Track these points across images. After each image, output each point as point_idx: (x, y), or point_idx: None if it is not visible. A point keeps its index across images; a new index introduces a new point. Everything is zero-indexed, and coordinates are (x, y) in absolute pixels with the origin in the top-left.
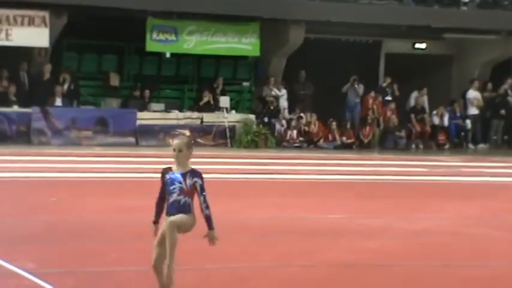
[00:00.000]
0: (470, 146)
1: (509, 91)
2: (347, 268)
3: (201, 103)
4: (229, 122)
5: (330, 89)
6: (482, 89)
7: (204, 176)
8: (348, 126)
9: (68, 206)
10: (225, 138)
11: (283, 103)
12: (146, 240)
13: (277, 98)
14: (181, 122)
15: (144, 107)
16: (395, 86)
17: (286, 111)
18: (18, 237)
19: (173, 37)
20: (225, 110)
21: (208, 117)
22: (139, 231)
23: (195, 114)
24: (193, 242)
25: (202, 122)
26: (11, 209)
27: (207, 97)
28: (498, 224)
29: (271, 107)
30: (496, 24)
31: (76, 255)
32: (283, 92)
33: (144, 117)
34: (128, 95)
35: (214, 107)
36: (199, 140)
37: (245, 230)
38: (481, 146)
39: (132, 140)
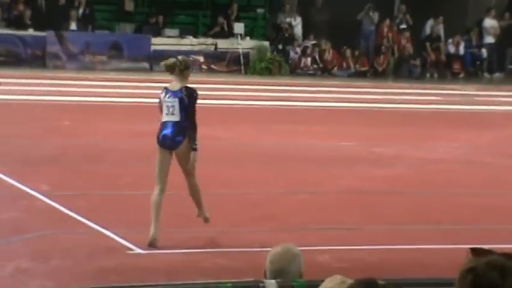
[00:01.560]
0: (486, 75)
1: None
2: (359, 195)
3: (214, 30)
4: (243, 48)
5: (344, 16)
6: (499, 18)
7: (217, 102)
8: (363, 54)
9: (82, 130)
10: (239, 64)
11: (298, 31)
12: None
13: (291, 25)
14: (196, 48)
15: (158, 33)
16: (408, 16)
17: (300, 38)
18: (32, 159)
19: None
20: (239, 36)
21: (223, 44)
22: (152, 156)
23: (209, 41)
24: (205, 168)
25: (216, 48)
26: (26, 132)
27: (219, 23)
28: (510, 152)
29: (286, 34)
30: None
31: (89, 178)
32: (298, 20)
33: (159, 43)
34: (142, 20)
35: (228, 33)
36: (213, 66)
37: (257, 156)
38: (497, 75)
39: (146, 65)
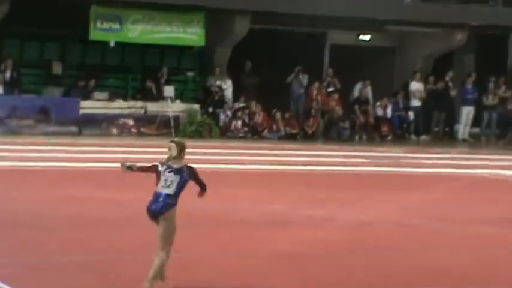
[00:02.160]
0: (413, 137)
1: (450, 84)
2: (289, 258)
3: (141, 92)
4: (173, 111)
5: (274, 79)
6: (424, 81)
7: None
8: (292, 116)
9: (7, 195)
10: (169, 127)
11: (228, 94)
12: (86, 229)
13: (221, 88)
14: (125, 112)
15: (87, 96)
16: (336, 80)
17: (231, 101)
18: None
19: (117, 26)
20: (169, 99)
21: (153, 107)
22: (79, 221)
23: (139, 104)
24: (137, 232)
25: (146, 111)
26: None
27: (148, 86)
28: (438, 214)
29: (216, 97)
30: (438, 17)
31: (14, 245)
32: (229, 83)
33: (87, 106)
34: (71, 83)
35: (158, 96)
36: (143, 129)
37: (187, 219)
38: (423, 137)
39: (74, 129)
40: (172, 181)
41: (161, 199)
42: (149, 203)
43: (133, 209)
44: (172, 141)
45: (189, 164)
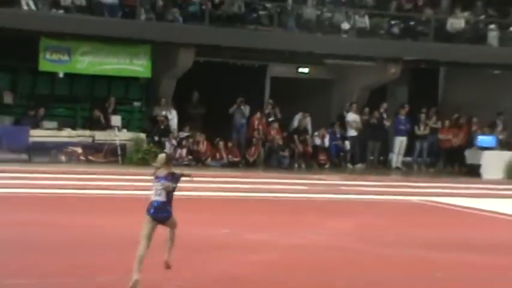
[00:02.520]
0: (349, 165)
1: (384, 115)
2: (229, 281)
3: (89, 122)
4: (120, 140)
5: (218, 110)
6: (360, 112)
7: (94, 191)
8: (235, 145)
9: None
10: (116, 155)
11: (174, 124)
12: (35, 254)
13: (167, 118)
14: (74, 140)
15: (37, 125)
16: (277, 110)
17: (176, 131)
18: None
19: (66, 57)
20: (116, 128)
21: (100, 136)
22: (28, 245)
23: (87, 132)
24: (81, 256)
25: (94, 140)
26: None
27: (96, 115)
28: (371, 239)
29: (162, 127)
30: (373, 51)
31: None
32: (174, 113)
33: (37, 135)
34: (21, 112)
35: (105, 125)
36: (90, 157)
37: (128, 244)
38: (359, 165)
39: (24, 156)
40: (161, 189)
41: (158, 206)
42: (148, 207)
43: (82, 233)
44: (164, 152)
45: (173, 171)
